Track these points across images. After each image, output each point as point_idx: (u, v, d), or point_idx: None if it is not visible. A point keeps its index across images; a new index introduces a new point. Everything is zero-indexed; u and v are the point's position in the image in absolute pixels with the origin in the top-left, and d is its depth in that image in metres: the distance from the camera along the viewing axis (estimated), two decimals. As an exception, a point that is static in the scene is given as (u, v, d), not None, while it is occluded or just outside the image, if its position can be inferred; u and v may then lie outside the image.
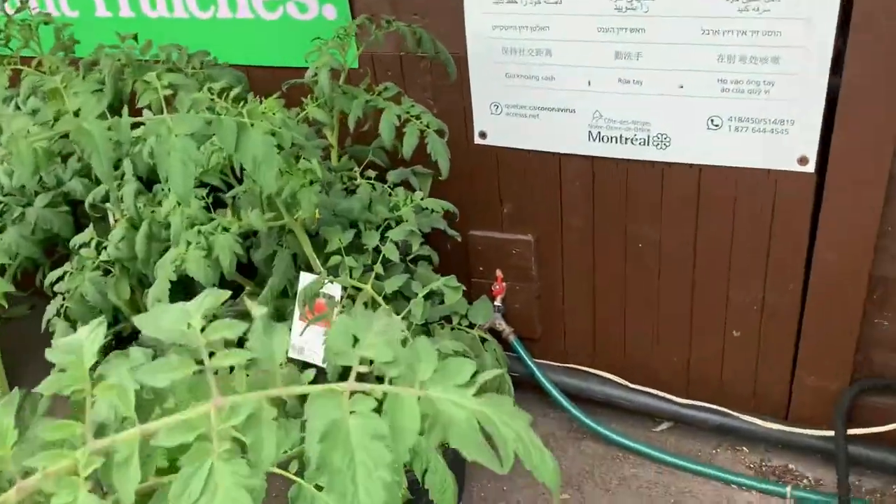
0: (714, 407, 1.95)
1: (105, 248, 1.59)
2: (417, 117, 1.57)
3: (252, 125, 1.14)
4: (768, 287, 1.80)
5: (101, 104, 1.01)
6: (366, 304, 1.42)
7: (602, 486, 1.95)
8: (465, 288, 1.51)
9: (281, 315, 1.59)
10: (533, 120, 1.84)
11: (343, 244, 1.45)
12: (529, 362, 2.05)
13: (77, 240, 1.68)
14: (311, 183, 1.32)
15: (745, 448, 2.01)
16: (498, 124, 1.89)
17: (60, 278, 1.65)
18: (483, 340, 1.70)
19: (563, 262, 2.00)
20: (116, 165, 1.75)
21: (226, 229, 1.34)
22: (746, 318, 1.86)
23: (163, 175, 1.05)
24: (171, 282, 1.38)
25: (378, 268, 1.44)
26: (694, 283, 1.88)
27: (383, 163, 1.85)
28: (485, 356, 1.67)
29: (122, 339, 2.20)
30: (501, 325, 2.06)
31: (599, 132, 1.79)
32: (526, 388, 2.08)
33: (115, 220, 1.65)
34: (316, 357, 1.50)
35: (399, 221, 1.56)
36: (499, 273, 2.07)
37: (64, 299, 1.64)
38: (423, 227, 1.60)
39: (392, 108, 1.56)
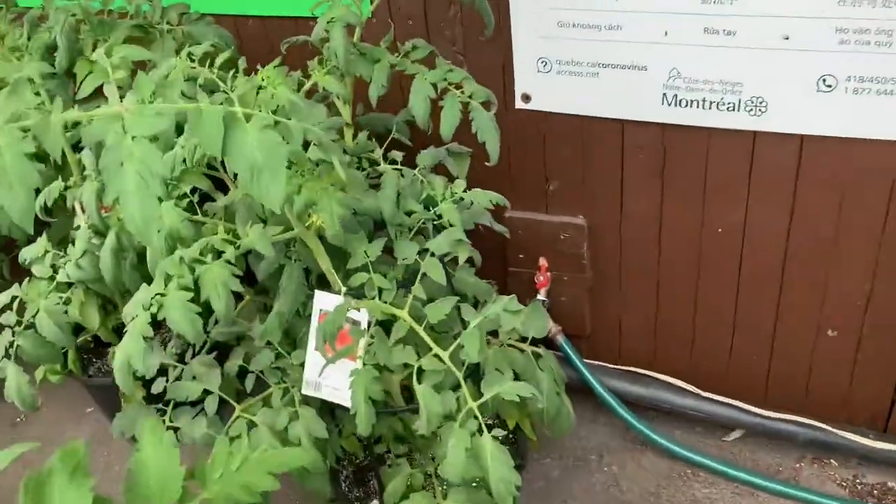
0: (802, 420, 1.66)
1: (65, 264, 1.25)
2: (458, 86, 1.22)
3: (247, 117, 0.80)
4: (878, 278, 1.48)
5: (18, 97, 0.67)
6: (403, 341, 1.10)
7: (670, 512, 1.67)
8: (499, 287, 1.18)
9: (291, 339, 1.27)
10: (591, 79, 1.49)
11: (371, 258, 1.12)
12: (581, 365, 1.75)
13: (27, 254, 1.33)
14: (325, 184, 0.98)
15: (833, 461, 1.72)
16: (546, 85, 1.54)
17: (8, 305, 1.31)
18: (537, 356, 1.39)
19: (622, 248, 1.68)
20: (77, 145, 1.40)
21: (219, 252, 1.00)
22: (847, 314, 1.55)
23: (111, 195, 0.71)
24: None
25: (417, 290, 1.11)
26: (783, 275, 1.56)
27: (406, 138, 1.51)
28: (540, 378, 1.36)
29: (100, 342, 1.89)
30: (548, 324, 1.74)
31: (676, 95, 1.44)
32: (572, 391, 1.78)
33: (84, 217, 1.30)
34: (340, 396, 1.18)
35: (437, 219, 1.23)
36: (542, 262, 1.74)
37: (14, 334, 1.30)
38: (465, 223, 1.27)
39: (425, 74, 1.21)
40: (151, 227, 0.69)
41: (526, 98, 1.58)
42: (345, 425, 1.44)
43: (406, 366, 1.11)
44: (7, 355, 1.31)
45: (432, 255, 1.14)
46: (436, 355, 1.08)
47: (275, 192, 0.79)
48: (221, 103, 0.80)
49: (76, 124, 1.30)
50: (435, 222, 1.23)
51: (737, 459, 1.75)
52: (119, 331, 1.83)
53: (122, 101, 0.78)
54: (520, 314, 1.11)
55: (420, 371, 1.06)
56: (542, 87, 1.55)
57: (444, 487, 1.44)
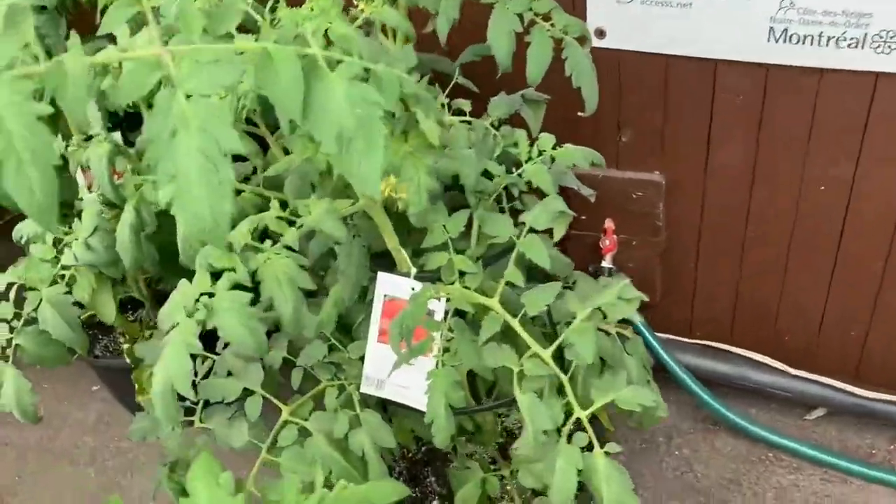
0: (904, 399, 1.49)
1: (69, 245, 1.02)
2: (547, 17, 0.99)
3: (330, 65, 0.58)
4: None
5: (16, 33, 0.45)
6: (498, 337, 0.90)
7: (754, 501, 1.50)
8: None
9: (347, 327, 1.07)
10: (682, 11, 1.26)
11: (452, 234, 0.91)
12: (653, 341, 1.55)
13: (24, 230, 1.09)
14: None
15: (930, 442, 1.56)
16: (625, 19, 1.31)
17: (3, 295, 1.07)
18: (623, 339, 1.19)
19: (704, 209, 1.47)
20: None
21: (276, 237, 0.78)
22: (964, 283, 1.36)
23: (162, 181, 0.50)
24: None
25: (513, 274, 0.90)
26: (894, 238, 1.36)
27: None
28: (629, 365, 1.16)
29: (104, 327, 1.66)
30: (615, 293, 1.55)
31: (786, 29, 1.22)
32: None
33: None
34: (409, 396, 0.98)
35: (518, 184, 1.02)
36: (609, 224, 1.54)
37: (12, 330, 1.07)
38: (551, 187, 1.05)
39: (507, 2, 0.98)
40: (223, 226, 0.48)
41: (600, 34, 1.35)
42: (397, 417, 1.25)
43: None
44: (5, 356, 1.06)
45: (531, 230, 0.93)
46: (535, 355, 0.88)
47: (370, 168, 0.57)
48: (294, 41, 0.58)
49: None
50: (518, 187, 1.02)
51: (823, 441, 1.58)
52: (125, 306, 1.62)
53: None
54: (633, 303, 0.91)
55: (520, 375, 0.87)
56: (620, 21, 1.32)
57: (516, 484, 1.26)
